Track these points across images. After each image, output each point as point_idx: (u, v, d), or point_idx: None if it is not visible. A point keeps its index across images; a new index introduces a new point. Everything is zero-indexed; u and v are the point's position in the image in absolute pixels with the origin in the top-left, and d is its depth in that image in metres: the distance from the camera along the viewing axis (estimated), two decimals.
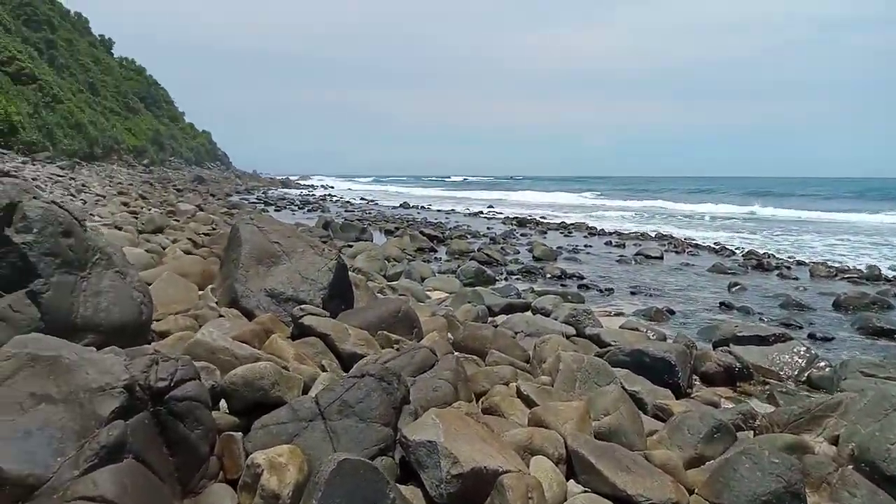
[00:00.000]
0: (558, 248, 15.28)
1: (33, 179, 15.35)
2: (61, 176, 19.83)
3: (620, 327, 7.04)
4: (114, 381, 1.93)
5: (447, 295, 8.09)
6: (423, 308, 6.00)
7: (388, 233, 18.45)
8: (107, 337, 2.74)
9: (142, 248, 6.58)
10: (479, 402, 3.79)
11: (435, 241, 15.55)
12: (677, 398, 4.64)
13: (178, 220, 11.64)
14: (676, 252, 16.13)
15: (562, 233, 20.37)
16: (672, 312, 8.50)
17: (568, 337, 6.16)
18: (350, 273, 7.83)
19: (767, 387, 5.61)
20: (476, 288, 9.00)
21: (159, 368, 2.16)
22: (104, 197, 15.85)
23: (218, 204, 22.77)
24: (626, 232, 20.75)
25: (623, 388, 4.15)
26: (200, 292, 4.67)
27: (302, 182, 76.65)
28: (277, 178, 79.66)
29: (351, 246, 13.04)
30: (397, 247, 13.05)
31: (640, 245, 17.18)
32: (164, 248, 7.30)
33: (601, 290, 9.95)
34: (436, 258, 13.24)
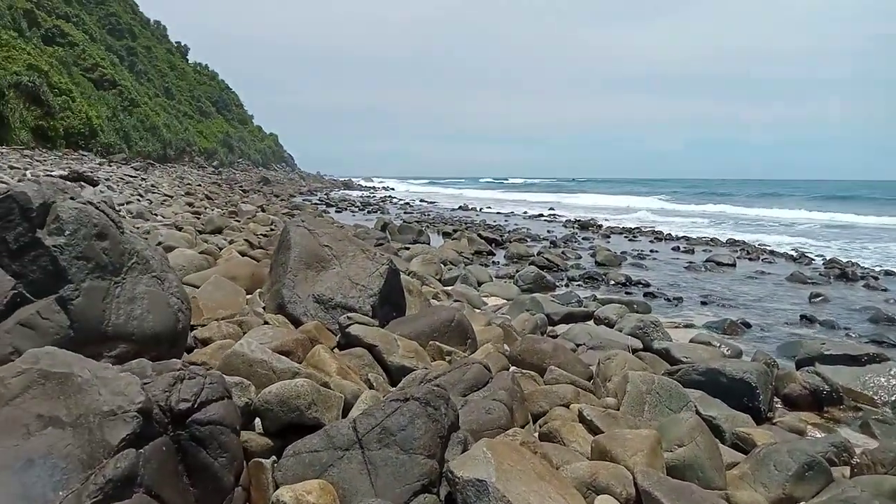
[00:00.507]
0: (622, 253, 14.65)
1: (106, 180, 15.98)
2: (133, 176, 20.63)
3: (691, 341, 6.53)
4: (127, 403, 1.73)
5: (504, 301, 7.77)
6: (478, 316, 5.71)
7: (446, 235, 18.25)
8: (140, 347, 2.59)
9: (199, 248, 6.58)
10: (537, 424, 3.47)
11: (493, 245, 15.22)
12: (757, 423, 4.18)
13: (238, 221, 11.80)
14: (750, 259, 15.20)
15: (626, 237, 19.63)
16: (748, 325, 7.87)
17: (634, 351, 5.73)
18: (404, 277, 7.62)
19: (860, 413, 5.02)
20: (535, 295, 8.63)
21: (183, 387, 1.97)
22: (171, 197, 16.33)
23: (280, 205, 23.19)
24: (694, 237, 19.80)
25: (698, 412, 3.74)
26: (248, 296, 4.55)
27: (364, 184, 77.78)
28: (340, 179, 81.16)
29: (408, 248, 12.90)
30: (454, 250, 12.81)
31: (709, 251, 16.31)
32: (220, 249, 7.30)
33: (669, 300, 9.38)
34: (494, 262, 12.92)
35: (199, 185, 26.17)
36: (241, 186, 33.12)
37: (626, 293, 9.85)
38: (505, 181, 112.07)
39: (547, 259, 12.09)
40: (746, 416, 4.07)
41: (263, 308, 4.34)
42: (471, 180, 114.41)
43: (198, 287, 4.34)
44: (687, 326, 7.69)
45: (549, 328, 6.89)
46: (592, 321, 7.48)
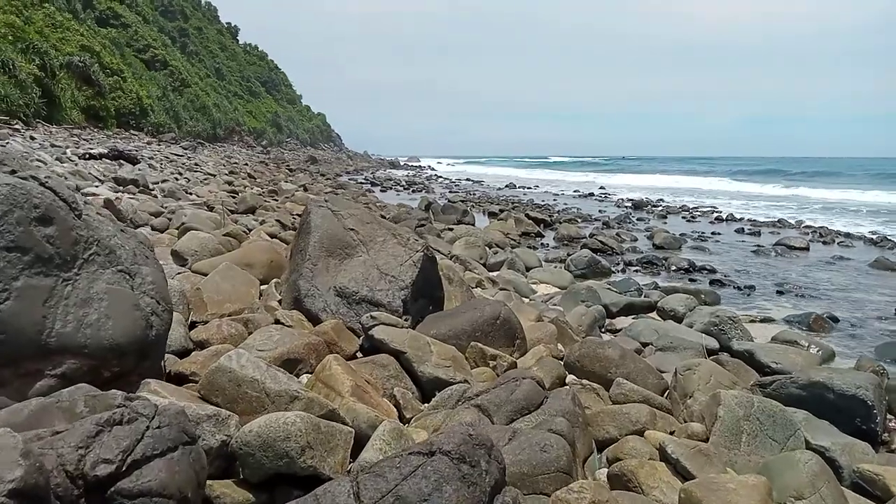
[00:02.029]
0: (682, 235, 13.62)
1: (150, 158, 15.86)
2: (179, 155, 20.58)
3: (773, 339, 5.67)
4: None
5: (556, 290, 7.02)
6: (527, 309, 5.00)
7: (492, 215, 17.48)
8: (95, 362, 2.02)
9: (224, 230, 6.08)
10: (603, 455, 2.77)
11: (542, 226, 14.38)
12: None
13: (276, 200, 11.37)
14: (824, 242, 13.94)
15: (684, 217, 18.43)
16: (835, 320, 6.91)
17: (710, 353, 4.94)
18: (445, 263, 6.95)
19: None
20: (589, 282, 7.85)
21: (107, 440, 1.37)
22: (213, 176, 16.09)
23: (325, 184, 22.84)
24: (759, 218, 18.44)
25: (807, 443, 2.97)
26: (264, 287, 3.97)
27: (410, 163, 77.34)
28: (387, 159, 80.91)
29: (451, 229, 12.24)
30: (500, 231, 12.07)
31: (777, 233, 15.06)
32: (249, 231, 6.81)
33: (740, 288, 8.43)
34: (542, 244, 12.12)
35: (246, 165, 26.11)
36: (287, 166, 33.04)
37: (690, 280, 8.94)
38: (555, 159, 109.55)
39: (600, 241, 11.23)
40: (865, 444, 3.26)
41: (279, 301, 3.76)
42: (521, 159, 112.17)
43: (205, 275, 3.79)
44: (765, 321, 6.78)
45: (608, 321, 6.14)
46: (655, 313, 6.68)
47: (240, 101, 61.37)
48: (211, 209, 8.03)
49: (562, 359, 4.18)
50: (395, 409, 2.70)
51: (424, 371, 2.97)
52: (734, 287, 8.52)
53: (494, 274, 7.61)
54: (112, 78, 28.14)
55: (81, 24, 30.46)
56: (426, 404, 2.89)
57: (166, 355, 2.86)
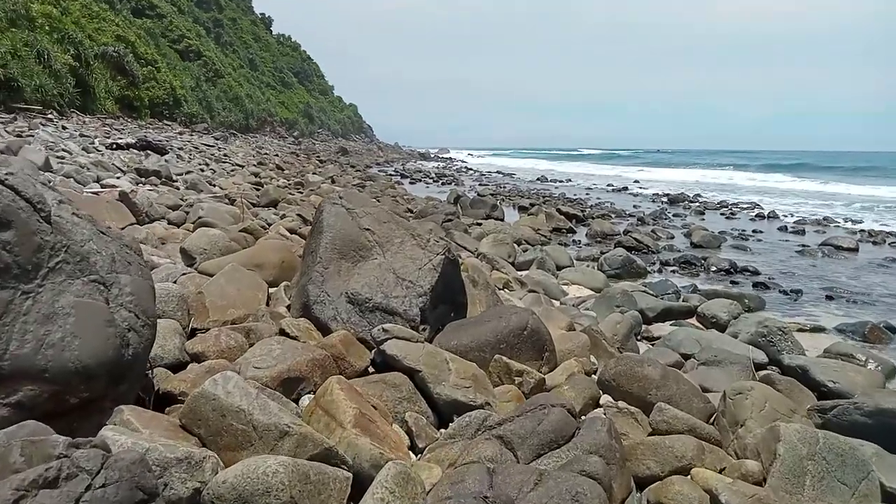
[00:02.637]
0: (721, 233, 13.02)
1: (179, 149, 15.84)
2: (210, 146, 20.61)
3: (826, 352, 5.21)
4: None
5: (589, 293, 6.63)
6: (556, 315, 4.65)
7: (522, 209, 17.07)
8: (58, 387, 1.76)
9: (241, 225, 5.85)
10: (643, 497, 2.43)
11: (574, 221, 13.93)
12: None
13: (301, 193, 11.17)
14: (874, 242, 13.19)
15: (723, 214, 17.73)
16: (893, 330, 6.38)
17: (759, 368, 4.53)
18: (472, 261, 6.63)
19: None
20: (623, 284, 7.44)
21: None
22: (242, 167, 16.01)
23: (353, 175, 22.67)
24: (801, 216, 17.63)
25: (882, 486, 2.57)
26: (274, 289, 3.70)
27: (441, 155, 77.01)
28: (417, 150, 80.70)
29: (479, 224, 11.89)
30: (530, 227, 11.67)
31: (823, 232, 14.33)
32: (269, 226, 6.57)
33: (786, 293, 7.91)
34: (574, 241, 11.69)
35: (276, 155, 26.11)
36: (318, 157, 33.05)
37: (732, 283, 8.45)
38: (586, 152, 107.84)
39: (635, 239, 10.75)
40: None
41: (288, 307, 3.49)
42: (551, 152, 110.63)
43: (211, 276, 3.53)
44: (815, 330, 6.29)
45: (644, 327, 5.74)
46: (695, 319, 6.25)
47: (272, 91, 61.76)
48: (232, 202, 7.83)
49: (593, 372, 3.84)
50: (405, 438, 2.39)
51: (441, 393, 2.66)
52: (779, 291, 8.00)
53: (523, 274, 7.26)
54: (146, 68, 28.40)
55: (117, 15, 30.80)
56: (442, 430, 2.58)
57: (158, 369, 2.60)
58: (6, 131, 10.23)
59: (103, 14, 28.45)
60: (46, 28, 20.36)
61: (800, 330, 6.19)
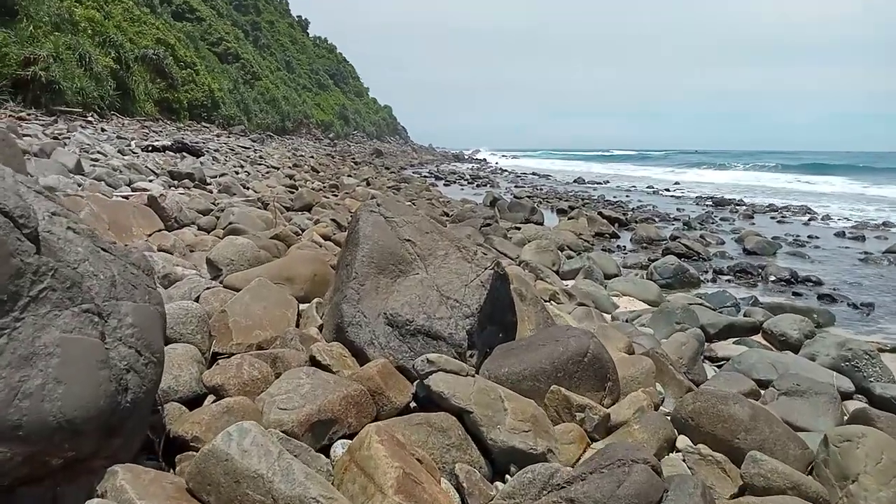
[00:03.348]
0: (774, 238, 12.30)
1: (215, 151, 15.79)
2: (246, 147, 20.62)
3: None
4: None
5: (642, 306, 6.15)
6: (612, 333, 4.20)
7: (561, 212, 16.55)
8: (33, 448, 1.42)
9: (275, 230, 5.55)
10: None
11: (616, 225, 13.34)
12: None
13: (336, 196, 10.89)
14: None
15: (773, 218, 16.88)
16: None
17: (845, 397, 4.01)
18: (515, 270, 6.21)
19: None
20: (677, 295, 6.92)
21: None
22: (277, 169, 15.88)
23: (388, 177, 22.44)
24: (857, 220, 16.68)
25: None
26: (305, 305, 3.35)
27: (475, 156, 76.58)
28: (451, 152, 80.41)
29: (518, 228, 11.45)
30: (572, 231, 11.18)
31: (885, 238, 13.46)
32: (302, 231, 6.27)
33: (856, 306, 7.27)
34: (618, 247, 11.14)
35: (312, 157, 26.08)
36: (353, 158, 33.00)
37: (794, 294, 7.84)
38: (607, 152, 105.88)
39: (685, 245, 10.16)
40: None
41: (320, 328, 3.13)
42: (586, 153, 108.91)
43: (237, 290, 3.20)
44: (895, 350, 5.69)
45: (706, 344, 5.24)
46: (761, 336, 5.72)
47: (308, 93, 62.25)
48: (265, 206, 7.57)
49: (661, 403, 3.39)
50: (455, 498, 2.00)
51: (497, 439, 2.26)
52: (848, 304, 7.36)
53: (569, 284, 6.81)
54: (185, 71, 28.72)
55: (158, 18, 31.26)
56: (498, 485, 2.18)
57: (172, 404, 2.27)
58: (44, 133, 10.22)
59: (144, 18, 28.88)
60: (89, 31, 20.65)
61: (879, 350, 5.61)
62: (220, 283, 3.50)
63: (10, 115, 13.00)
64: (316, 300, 3.34)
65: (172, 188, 7.57)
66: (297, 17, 79.33)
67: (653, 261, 9.40)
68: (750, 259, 10.06)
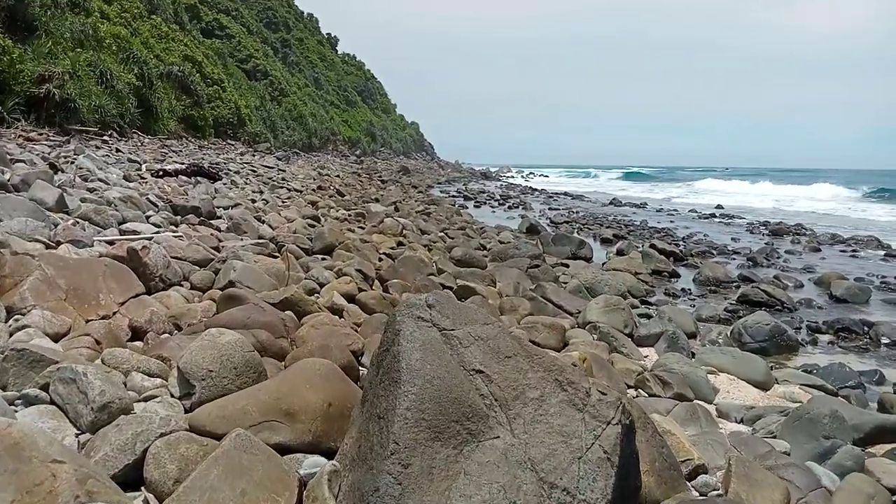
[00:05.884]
0: (857, 279, 10.77)
1: (236, 173, 14.82)
2: (270, 167, 19.70)
3: None
4: None
5: (751, 392, 4.78)
6: (759, 477, 2.87)
7: (605, 242, 15.18)
8: None
9: (287, 291, 4.37)
10: None
11: (672, 260, 11.93)
12: None
13: (362, 229, 9.72)
14: None
15: (843, 252, 15.23)
16: None
17: None
18: (583, 342, 4.91)
19: None
20: (786, 371, 5.55)
21: None
22: (301, 191, 14.84)
23: (416, 199, 21.31)
24: None
25: None
26: (310, 468, 2.11)
27: (502, 174, 75.38)
28: (478, 169, 79.22)
29: (566, 265, 10.14)
30: (629, 270, 9.84)
31: None
32: (320, 289, 5.07)
33: None
34: (682, 290, 9.73)
35: (338, 177, 25.12)
36: (380, 177, 32.05)
37: None
38: (653, 168, 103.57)
39: (764, 291, 8.72)
40: None
41: None
42: (615, 169, 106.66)
43: (205, 455, 1.98)
44: None
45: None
46: None
47: (336, 110, 61.92)
48: (279, 248, 6.41)
49: None
50: None
51: None
52: None
53: (647, 354, 5.49)
54: (212, 87, 28.15)
55: (186, 35, 30.85)
56: None
57: None
58: (46, 156, 9.24)
59: (172, 34, 28.43)
60: (114, 48, 20.04)
61: None
62: (187, 422, 2.27)
63: (20, 135, 12.19)
64: (330, 467, 2.08)
65: (173, 226, 6.45)
66: (327, 34, 79.56)
67: (731, 312, 8.01)
68: (842, 309, 8.59)
